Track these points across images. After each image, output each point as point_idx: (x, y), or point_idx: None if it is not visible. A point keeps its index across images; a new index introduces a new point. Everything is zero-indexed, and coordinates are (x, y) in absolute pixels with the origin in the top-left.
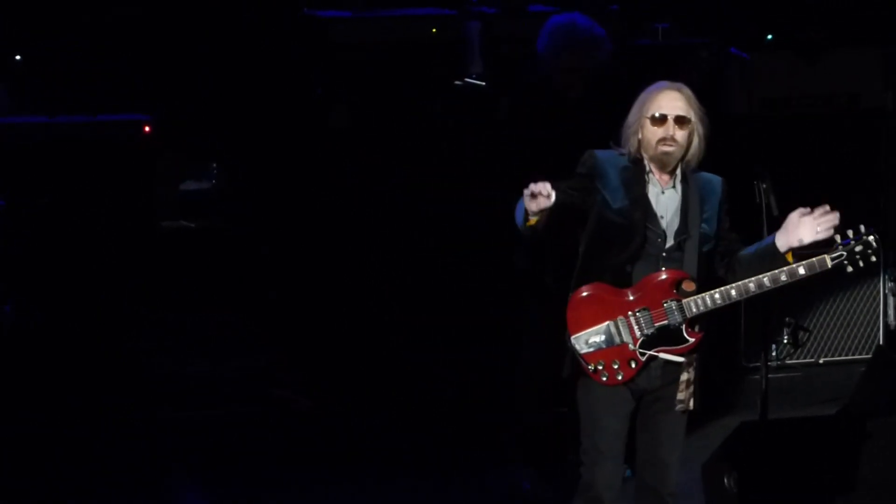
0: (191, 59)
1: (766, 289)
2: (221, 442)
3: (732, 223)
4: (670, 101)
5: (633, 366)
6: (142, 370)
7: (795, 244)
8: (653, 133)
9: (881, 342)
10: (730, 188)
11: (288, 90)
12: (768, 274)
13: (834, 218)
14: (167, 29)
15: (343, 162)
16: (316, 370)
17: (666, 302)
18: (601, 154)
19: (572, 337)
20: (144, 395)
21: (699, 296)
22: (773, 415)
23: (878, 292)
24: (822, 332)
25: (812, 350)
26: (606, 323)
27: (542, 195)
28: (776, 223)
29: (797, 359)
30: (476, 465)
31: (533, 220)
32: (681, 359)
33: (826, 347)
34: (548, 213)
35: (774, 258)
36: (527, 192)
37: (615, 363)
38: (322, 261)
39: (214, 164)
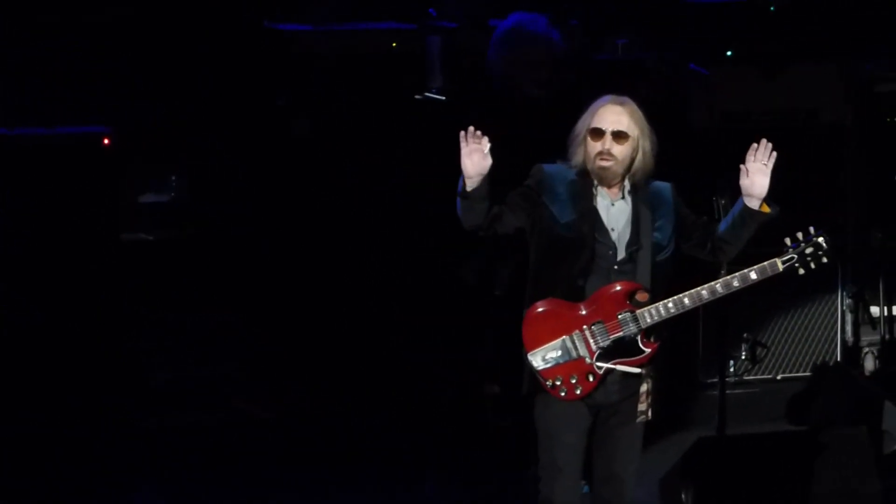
0: (152, 72)
1: (718, 295)
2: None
3: None
4: (611, 116)
5: (591, 379)
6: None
7: (763, 193)
8: (592, 147)
9: (839, 359)
10: (689, 201)
11: (251, 102)
12: (721, 280)
13: (764, 145)
14: (128, 42)
15: (307, 170)
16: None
17: (620, 314)
18: (549, 168)
19: (529, 354)
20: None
21: (653, 306)
22: (731, 430)
23: (836, 309)
24: (779, 348)
25: (770, 366)
26: (562, 338)
27: (478, 151)
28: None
29: (755, 375)
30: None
31: (470, 187)
32: (638, 370)
33: (784, 363)
34: (486, 182)
35: (752, 217)
36: (464, 148)
37: (573, 377)
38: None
39: (174, 177)
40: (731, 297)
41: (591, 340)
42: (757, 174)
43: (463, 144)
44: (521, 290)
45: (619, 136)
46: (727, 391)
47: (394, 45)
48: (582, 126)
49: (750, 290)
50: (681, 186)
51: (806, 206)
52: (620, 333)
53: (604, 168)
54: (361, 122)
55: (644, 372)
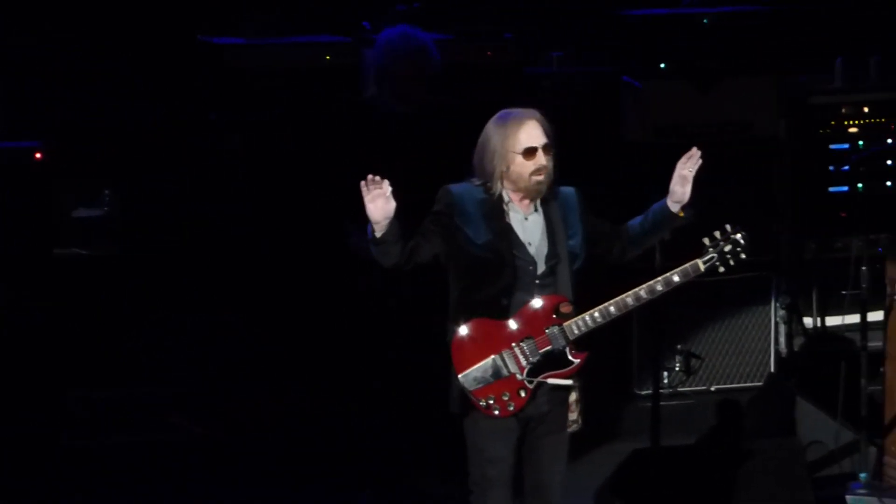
0: (83, 84)
1: (643, 301)
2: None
3: None
4: (534, 131)
5: (523, 395)
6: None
7: (687, 199)
8: (524, 167)
9: (772, 369)
10: (622, 215)
11: (182, 115)
12: (644, 286)
13: (694, 152)
14: (60, 55)
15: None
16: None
17: (548, 328)
18: (456, 189)
19: (460, 375)
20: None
21: (580, 317)
22: (666, 442)
23: (770, 320)
24: (713, 359)
25: (704, 377)
26: (492, 357)
27: (381, 196)
28: (668, 247)
29: (689, 386)
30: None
31: (379, 232)
32: (569, 382)
33: (718, 375)
34: (395, 224)
35: (673, 221)
36: (366, 196)
37: (505, 395)
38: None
39: (107, 191)
40: (665, 309)
41: (521, 357)
42: (686, 183)
43: (364, 192)
44: (432, 298)
45: (546, 148)
46: (661, 403)
47: (327, 57)
48: (502, 147)
49: (684, 301)
50: (614, 200)
51: (739, 219)
52: (550, 347)
53: (541, 182)
54: (295, 134)
55: (574, 382)
